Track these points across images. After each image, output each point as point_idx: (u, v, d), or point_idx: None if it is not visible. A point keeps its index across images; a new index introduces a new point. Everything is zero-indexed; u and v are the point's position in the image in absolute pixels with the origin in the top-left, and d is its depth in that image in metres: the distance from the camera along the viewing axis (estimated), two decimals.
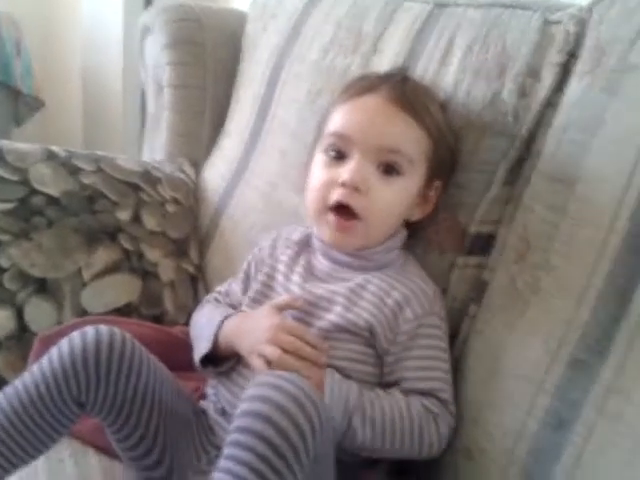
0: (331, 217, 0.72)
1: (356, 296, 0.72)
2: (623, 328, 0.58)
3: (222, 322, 0.76)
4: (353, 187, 0.70)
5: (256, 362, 0.67)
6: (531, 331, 0.66)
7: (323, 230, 0.75)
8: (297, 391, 0.54)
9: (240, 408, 0.54)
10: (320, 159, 0.75)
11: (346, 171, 0.70)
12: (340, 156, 0.73)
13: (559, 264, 0.65)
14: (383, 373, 0.71)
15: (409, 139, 0.72)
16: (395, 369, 0.70)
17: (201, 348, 0.76)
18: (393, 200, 0.72)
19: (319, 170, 0.74)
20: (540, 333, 0.64)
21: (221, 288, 0.88)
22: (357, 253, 0.75)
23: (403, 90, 0.73)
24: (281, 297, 0.74)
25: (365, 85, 0.75)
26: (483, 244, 0.77)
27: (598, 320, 0.60)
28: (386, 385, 0.70)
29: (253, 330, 0.71)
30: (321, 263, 0.77)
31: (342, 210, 0.72)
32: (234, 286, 0.85)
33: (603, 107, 0.65)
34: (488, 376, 0.69)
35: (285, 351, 0.66)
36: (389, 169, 0.71)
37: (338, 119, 0.74)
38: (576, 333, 0.61)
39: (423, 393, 0.68)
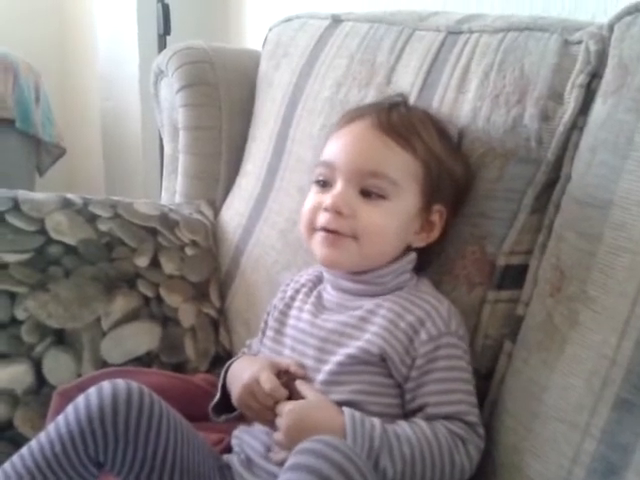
0: (320, 234, 0.72)
1: (367, 323, 0.70)
2: None
3: (227, 369, 0.78)
4: (336, 211, 0.70)
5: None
6: (572, 370, 0.61)
7: (316, 250, 0.74)
8: (341, 458, 0.54)
9: (281, 479, 0.54)
10: (312, 189, 0.76)
11: (329, 197, 0.71)
12: (327, 185, 0.74)
13: (597, 295, 0.61)
14: (405, 401, 0.68)
15: (392, 162, 0.72)
16: (416, 395, 0.67)
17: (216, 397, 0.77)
18: (382, 221, 0.71)
19: (309, 197, 0.76)
20: (582, 372, 0.60)
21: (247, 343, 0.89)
22: (363, 279, 0.74)
23: (388, 116, 0.74)
24: (285, 360, 0.74)
25: (355, 114, 0.77)
26: (514, 277, 0.74)
27: None
28: (410, 413, 0.68)
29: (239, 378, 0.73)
30: (330, 294, 0.76)
31: (331, 233, 0.72)
32: (254, 346, 0.85)
33: (631, 128, 0.62)
34: (529, 420, 0.65)
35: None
36: (373, 194, 0.71)
37: (326, 148, 0.77)
38: (620, 371, 0.57)
39: (448, 417, 0.66)
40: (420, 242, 0.75)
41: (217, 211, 1.19)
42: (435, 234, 0.75)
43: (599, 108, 0.67)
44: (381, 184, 0.71)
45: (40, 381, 0.87)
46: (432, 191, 0.73)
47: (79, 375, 0.88)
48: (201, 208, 1.17)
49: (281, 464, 0.64)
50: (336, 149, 0.74)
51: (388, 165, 0.71)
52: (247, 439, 0.73)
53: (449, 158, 0.75)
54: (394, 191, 0.71)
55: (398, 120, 0.74)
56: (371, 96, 0.91)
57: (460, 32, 0.84)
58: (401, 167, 0.72)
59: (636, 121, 0.61)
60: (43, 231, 0.95)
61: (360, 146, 0.73)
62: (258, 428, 0.72)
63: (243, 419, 0.76)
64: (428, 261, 0.78)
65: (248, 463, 0.71)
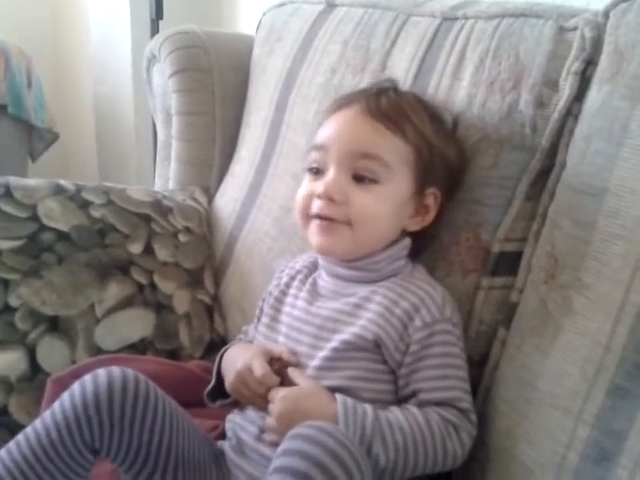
0: (315, 222, 0.73)
1: (361, 309, 0.71)
2: None
3: (222, 355, 0.79)
4: (328, 198, 0.70)
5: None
6: (566, 357, 0.62)
7: (311, 238, 0.74)
8: (335, 444, 0.54)
9: (275, 464, 0.54)
10: (305, 176, 0.77)
11: (321, 183, 0.71)
12: (319, 172, 0.74)
13: (591, 282, 0.61)
14: (398, 387, 0.69)
15: (382, 145, 0.72)
16: (410, 381, 0.68)
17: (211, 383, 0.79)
18: (375, 206, 0.71)
19: (303, 185, 0.76)
20: (576, 358, 0.60)
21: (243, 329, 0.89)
22: (357, 265, 0.74)
23: (377, 101, 0.74)
24: (278, 347, 0.74)
25: (344, 101, 0.77)
26: (509, 263, 0.74)
27: (637, 342, 0.56)
28: (403, 399, 0.68)
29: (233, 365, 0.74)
30: (325, 281, 0.76)
31: (326, 220, 0.72)
32: (250, 332, 0.85)
33: (626, 115, 0.61)
34: (523, 406, 0.65)
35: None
36: (365, 178, 0.71)
37: (318, 134, 0.77)
38: (614, 357, 0.57)
39: (441, 403, 0.66)
40: (415, 226, 0.75)
41: (211, 197, 1.19)
42: (430, 217, 0.75)
43: (594, 95, 0.67)
44: (373, 166, 0.71)
45: (34, 368, 0.87)
46: (425, 174, 0.73)
47: (73, 362, 0.88)
48: (195, 195, 1.16)
49: (273, 445, 0.65)
50: (327, 133, 0.74)
51: (379, 147, 0.71)
52: (240, 421, 0.73)
53: (441, 141, 0.74)
54: (386, 174, 0.71)
55: (387, 105, 0.74)
56: (365, 82, 0.90)
57: (455, 18, 0.84)
58: (392, 151, 0.72)
59: (631, 108, 0.61)
60: (35, 217, 0.95)
61: (351, 130, 0.73)
62: (251, 411, 0.73)
63: (237, 405, 0.76)
64: (423, 245, 0.78)
65: (239, 447, 0.72)
